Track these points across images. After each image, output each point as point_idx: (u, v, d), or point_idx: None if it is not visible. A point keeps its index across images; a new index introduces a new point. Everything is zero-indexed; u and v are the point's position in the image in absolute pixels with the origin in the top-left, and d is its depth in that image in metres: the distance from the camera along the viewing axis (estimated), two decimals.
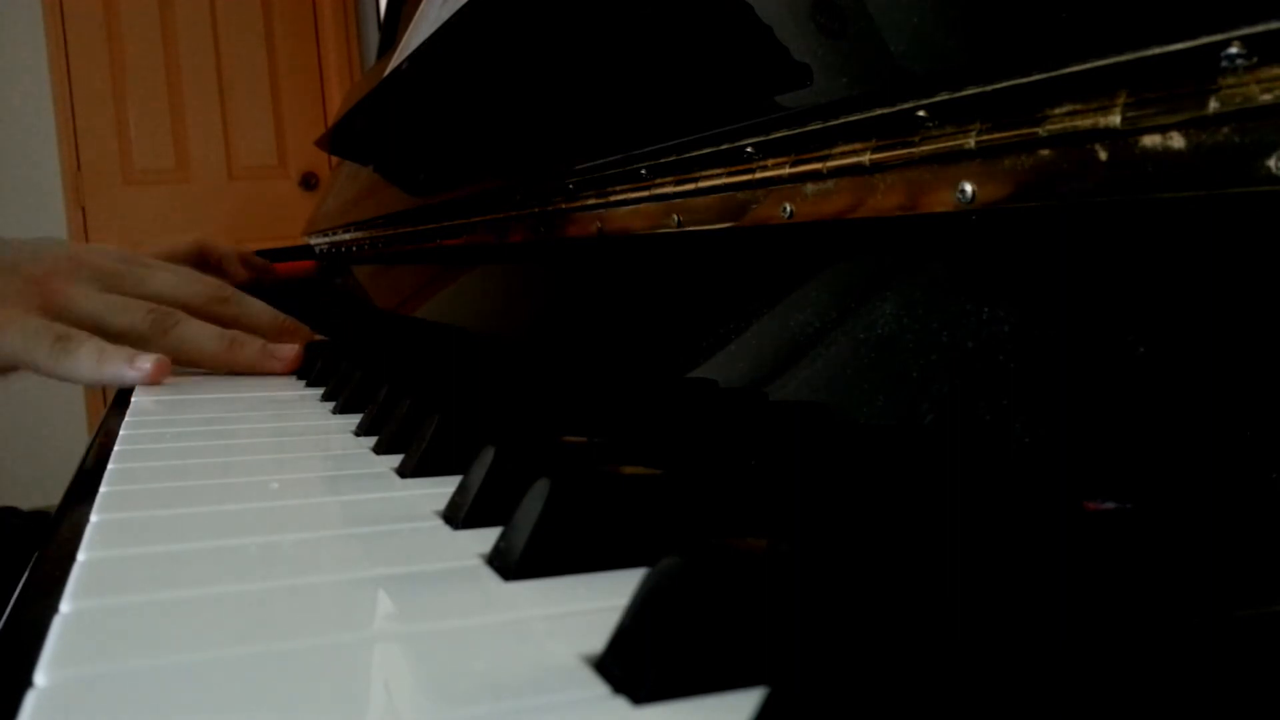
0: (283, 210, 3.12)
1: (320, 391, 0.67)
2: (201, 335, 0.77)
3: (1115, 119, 0.27)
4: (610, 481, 0.29)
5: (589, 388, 0.54)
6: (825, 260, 0.41)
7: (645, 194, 0.54)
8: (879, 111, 0.36)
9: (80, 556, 0.29)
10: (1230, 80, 0.24)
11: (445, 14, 0.81)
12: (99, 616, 0.25)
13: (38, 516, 0.84)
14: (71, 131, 3.04)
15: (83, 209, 3.06)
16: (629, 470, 0.30)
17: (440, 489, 0.37)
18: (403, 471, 0.41)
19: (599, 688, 0.20)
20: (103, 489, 0.39)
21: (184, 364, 0.78)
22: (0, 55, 2.95)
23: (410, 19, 1.16)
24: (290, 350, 0.80)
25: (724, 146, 0.46)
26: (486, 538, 0.30)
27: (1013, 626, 0.17)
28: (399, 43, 1.15)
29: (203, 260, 1.15)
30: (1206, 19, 0.24)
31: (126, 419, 0.57)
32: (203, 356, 0.77)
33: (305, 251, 1.78)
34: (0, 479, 2.81)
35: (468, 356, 0.76)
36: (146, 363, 0.69)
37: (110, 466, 0.43)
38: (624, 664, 0.20)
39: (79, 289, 0.75)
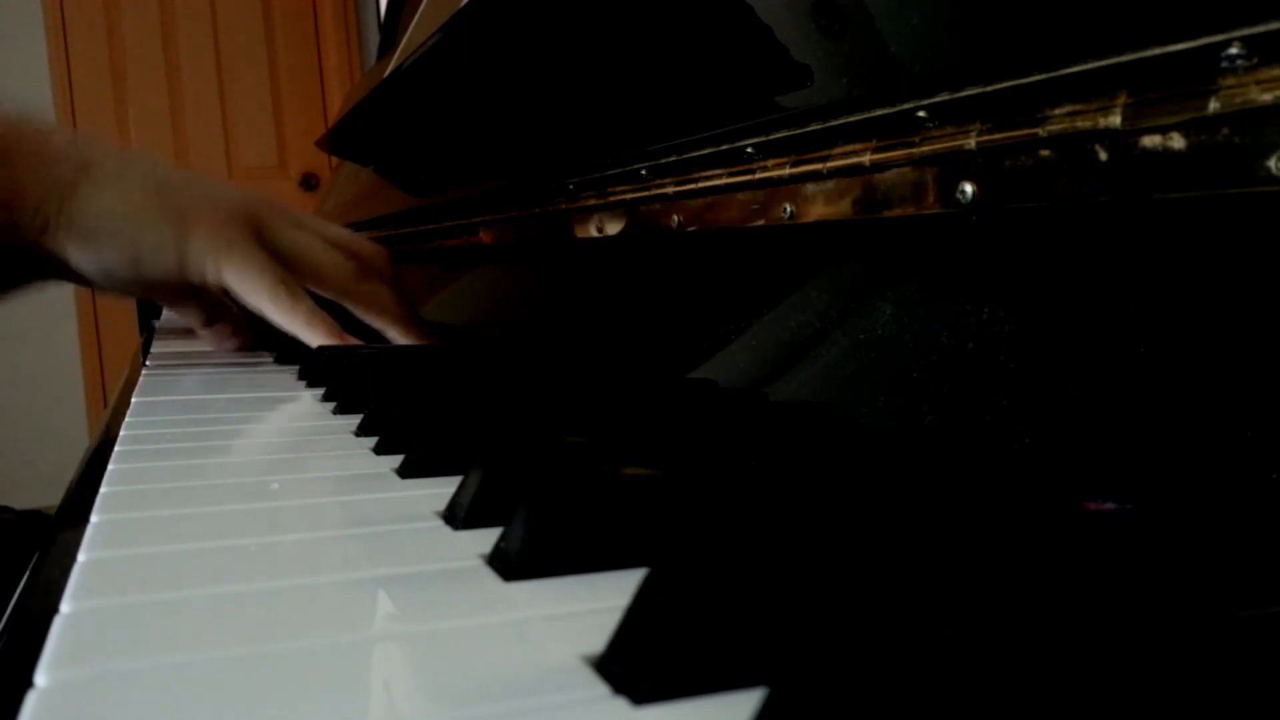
0: None
1: (321, 392, 0.67)
2: (388, 295, 0.80)
3: (1115, 119, 0.27)
4: (610, 482, 0.29)
5: (589, 388, 0.54)
6: (825, 260, 0.41)
7: (645, 194, 0.54)
8: (879, 112, 0.36)
9: (80, 556, 0.29)
10: (1230, 80, 0.24)
11: (446, 14, 0.81)
12: (99, 616, 0.25)
13: (31, 516, 0.84)
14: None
15: None
16: (629, 470, 0.30)
17: (440, 489, 0.37)
18: (403, 472, 0.41)
19: (599, 688, 0.20)
20: (103, 489, 0.38)
21: (368, 317, 0.80)
22: (0, 55, 2.95)
23: (410, 19, 1.16)
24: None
25: (724, 147, 0.46)
26: (486, 538, 0.30)
27: (1013, 627, 0.17)
28: (399, 43, 1.15)
29: None
30: (1206, 19, 0.24)
31: (128, 419, 0.57)
32: (387, 315, 0.80)
33: None
34: (0, 479, 2.81)
35: (468, 356, 0.76)
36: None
37: (111, 467, 0.43)
38: (624, 664, 0.20)
39: (286, 226, 0.75)
